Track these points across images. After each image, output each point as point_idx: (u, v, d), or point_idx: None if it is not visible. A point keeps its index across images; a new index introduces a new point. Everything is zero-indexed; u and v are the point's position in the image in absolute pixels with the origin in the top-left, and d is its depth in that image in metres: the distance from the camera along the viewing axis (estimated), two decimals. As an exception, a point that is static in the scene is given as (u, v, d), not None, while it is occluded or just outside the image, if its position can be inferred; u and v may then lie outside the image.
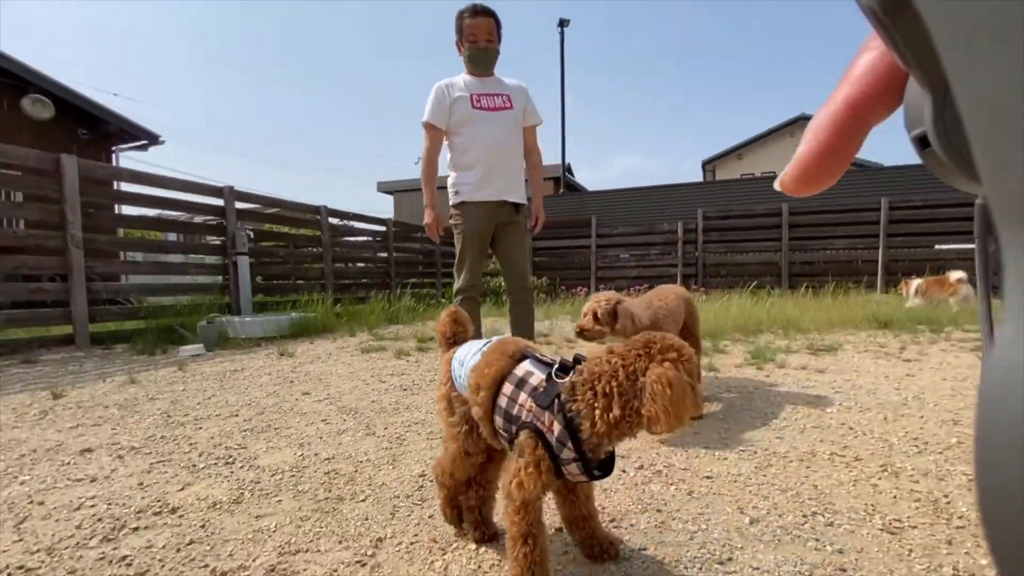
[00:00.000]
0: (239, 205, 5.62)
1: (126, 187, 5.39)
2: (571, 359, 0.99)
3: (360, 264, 8.30)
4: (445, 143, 2.81)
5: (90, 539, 1.19)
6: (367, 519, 1.30)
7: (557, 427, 0.92)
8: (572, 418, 0.91)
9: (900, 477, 1.51)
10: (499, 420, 1.01)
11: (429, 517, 1.31)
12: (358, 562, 1.11)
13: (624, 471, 1.61)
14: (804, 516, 1.30)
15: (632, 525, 1.28)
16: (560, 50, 14.30)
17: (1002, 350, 0.16)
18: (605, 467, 0.98)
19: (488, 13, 2.68)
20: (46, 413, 2.32)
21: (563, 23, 14.13)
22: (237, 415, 2.27)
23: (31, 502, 1.39)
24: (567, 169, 16.78)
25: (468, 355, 1.09)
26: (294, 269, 6.79)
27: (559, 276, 9.73)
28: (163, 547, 1.16)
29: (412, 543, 1.19)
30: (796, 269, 8.19)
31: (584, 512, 1.11)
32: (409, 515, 1.32)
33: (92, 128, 10.83)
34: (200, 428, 2.09)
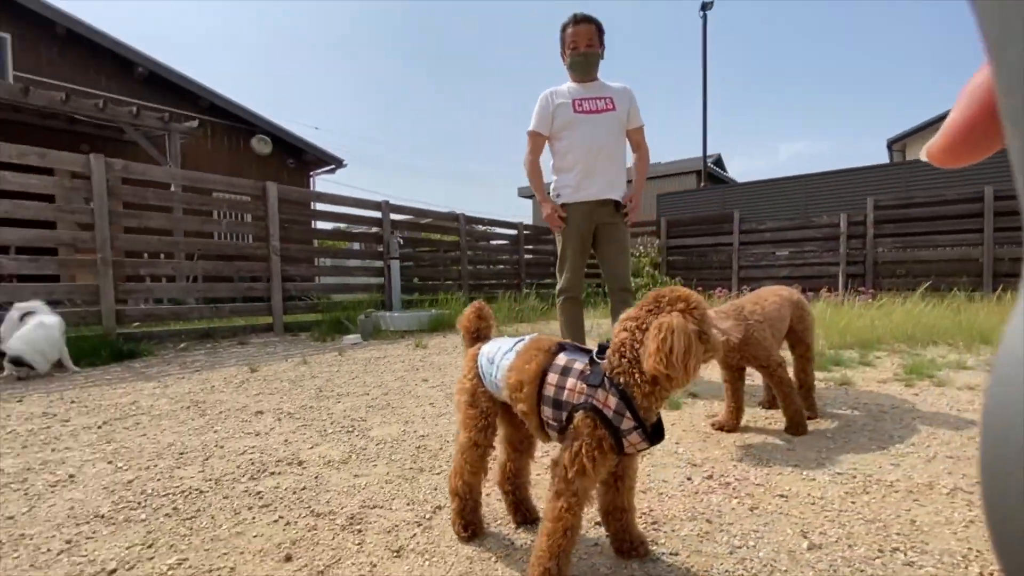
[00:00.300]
0: (393, 216, 6.48)
1: (321, 206, 6.59)
2: (605, 342, 1.04)
3: (499, 266, 8.87)
4: (548, 147, 2.94)
5: (242, 477, 1.61)
6: (436, 489, 1.52)
7: (613, 400, 0.96)
8: (623, 390, 0.96)
9: (1041, 527, 1.23)
10: (547, 410, 1.05)
11: (485, 495, 1.48)
12: (416, 522, 1.33)
13: (689, 479, 1.58)
14: (880, 551, 1.16)
15: (674, 530, 1.28)
16: (703, 35, 13.34)
17: (1014, 321, 0.16)
18: (658, 433, 1.01)
19: (588, 20, 2.74)
20: (243, 383, 3.05)
21: (705, 6, 13.15)
22: (368, 394, 2.71)
23: (216, 446, 1.91)
24: (715, 161, 15.58)
25: (498, 353, 1.19)
26: (442, 271, 7.58)
27: (696, 276, 9.13)
28: (286, 489, 1.52)
29: (463, 514, 1.37)
30: (1004, 267, 6.44)
31: (623, 504, 1.14)
32: (469, 491, 1.51)
33: (297, 158, 13.30)
34: (339, 402, 2.55)
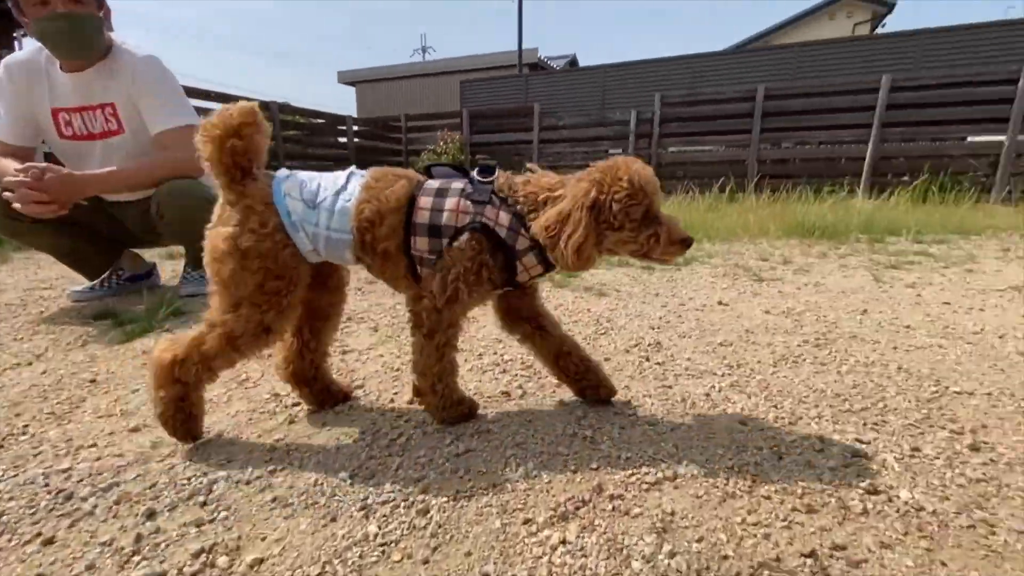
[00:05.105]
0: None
1: None
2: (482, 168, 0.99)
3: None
4: None
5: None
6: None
7: (505, 216, 0.92)
8: (520, 208, 0.93)
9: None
10: (422, 241, 0.92)
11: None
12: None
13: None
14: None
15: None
16: None
17: None
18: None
19: None
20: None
21: None
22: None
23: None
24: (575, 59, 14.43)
25: (324, 192, 0.92)
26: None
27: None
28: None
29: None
30: (766, 169, 6.71)
31: (560, 342, 1.11)
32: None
33: None
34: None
